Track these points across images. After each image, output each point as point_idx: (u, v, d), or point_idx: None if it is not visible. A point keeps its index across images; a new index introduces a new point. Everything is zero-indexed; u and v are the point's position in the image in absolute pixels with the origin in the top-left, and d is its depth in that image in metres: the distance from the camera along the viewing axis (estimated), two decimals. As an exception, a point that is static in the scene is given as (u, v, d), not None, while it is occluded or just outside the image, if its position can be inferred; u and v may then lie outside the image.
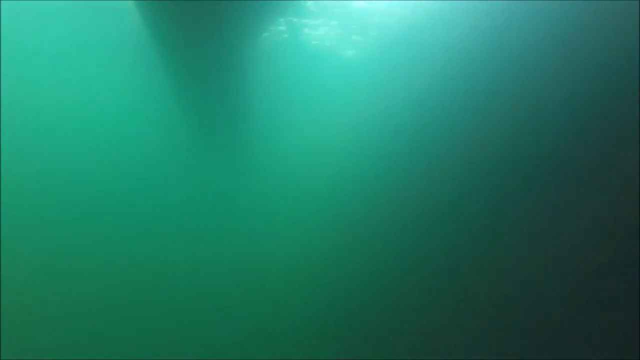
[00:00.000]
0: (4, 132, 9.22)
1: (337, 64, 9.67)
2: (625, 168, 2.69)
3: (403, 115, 6.63)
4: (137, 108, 10.36)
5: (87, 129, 10.33)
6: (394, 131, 6.76)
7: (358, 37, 8.59)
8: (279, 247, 8.81)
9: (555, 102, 3.43)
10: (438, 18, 6.49)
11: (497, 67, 4.37)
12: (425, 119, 5.82)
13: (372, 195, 6.70)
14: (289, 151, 10.79)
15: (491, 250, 3.86)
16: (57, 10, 7.98)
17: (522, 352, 3.20)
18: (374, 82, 8.46)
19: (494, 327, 3.52)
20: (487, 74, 4.54)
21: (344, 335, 5.88)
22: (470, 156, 4.53)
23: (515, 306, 3.38)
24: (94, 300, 8.03)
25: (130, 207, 10.09)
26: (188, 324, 7.72)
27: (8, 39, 8.65)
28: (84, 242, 8.98)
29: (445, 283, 4.44)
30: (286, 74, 9.85)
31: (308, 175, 9.72)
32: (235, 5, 5.33)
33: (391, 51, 8.01)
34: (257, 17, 6.22)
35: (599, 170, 2.92)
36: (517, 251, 3.55)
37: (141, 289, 8.29)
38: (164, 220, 9.99)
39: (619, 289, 2.56)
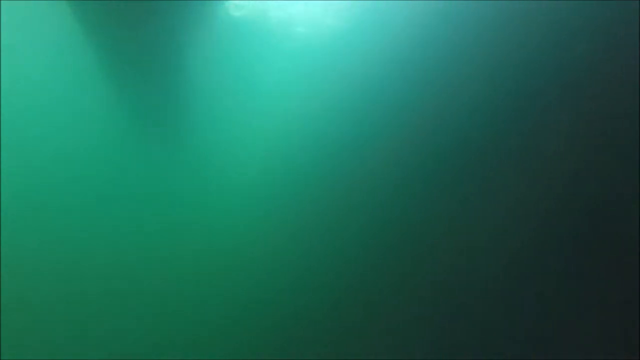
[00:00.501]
0: None
1: (284, 51, 9.39)
2: (625, 168, 2.69)
3: (348, 106, 6.57)
4: (69, 99, 9.96)
5: (17, 123, 9.89)
6: (339, 122, 6.72)
7: (304, 28, 8.34)
8: (219, 239, 8.65)
9: (555, 102, 3.44)
10: (397, 10, 6.39)
11: (491, 69, 4.39)
12: (372, 111, 5.79)
13: (318, 186, 6.65)
14: (230, 142, 10.46)
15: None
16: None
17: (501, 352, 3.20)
18: (322, 71, 8.33)
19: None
20: (481, 75, 4.55)
21: (280, 333, 5.89)
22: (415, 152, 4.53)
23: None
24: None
25: (61, 201, 9.69)
26: (124, 319, 7.60)
27: None
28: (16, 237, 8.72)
29: (376, 280, 4.50)
30: (230, 61, 9.58)
31: (250, 167, 9.53)
32: (173, 4, 5.17)
33: (344, 39, 7.88)
34: (195, 12, 6.00)
35: (599, 170, 2.93)
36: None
37: (74, 287, 8.12)
38: (98, 214, 9.65)
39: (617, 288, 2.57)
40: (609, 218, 2.78)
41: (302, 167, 7.41)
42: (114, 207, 10.25)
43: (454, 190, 3.94)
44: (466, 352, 3.65)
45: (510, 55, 3.76)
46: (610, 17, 3.13)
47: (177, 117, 8.46)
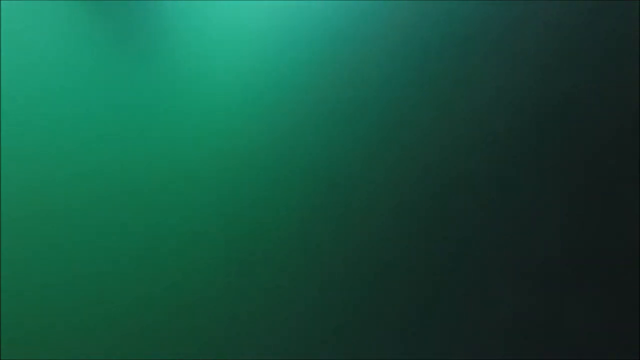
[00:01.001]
0: None
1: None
2: (625, 169, 2.69)
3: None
4: (43, 12, 10.00)
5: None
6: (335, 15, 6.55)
7: None
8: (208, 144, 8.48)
9: (554, 102, 3.44)
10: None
11: (490, 64, 4.39)
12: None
13: (309, 85, 6.41)
14: (213, 48, 10.36)
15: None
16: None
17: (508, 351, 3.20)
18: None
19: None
20: (481, 72, 4.55)
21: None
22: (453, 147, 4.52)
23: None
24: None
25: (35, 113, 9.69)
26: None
27: None
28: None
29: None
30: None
31: (237, 70, 9.38)
32: None
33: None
34: None
35: (599, 171, 2.93)
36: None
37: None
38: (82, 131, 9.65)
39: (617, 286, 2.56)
40: (609, 221, 2.79)
41: (293, 67, 7.12)
42: (96, 122, 10.17)
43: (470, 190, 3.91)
44: (466, 352, 3.65)
45: (592, 56, 3.66)
46: (610, 17, 3.13)
47: (155, 24, 8.25)
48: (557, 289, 3.06)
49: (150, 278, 7.35)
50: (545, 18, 3.79)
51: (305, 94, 6.79)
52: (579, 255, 2.96)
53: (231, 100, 9.42)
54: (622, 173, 2.74)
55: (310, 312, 5.63)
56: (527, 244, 3.47)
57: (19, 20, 10.37)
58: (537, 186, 3.46)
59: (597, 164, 2.97)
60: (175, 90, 10.08)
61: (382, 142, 5.15)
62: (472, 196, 4.01)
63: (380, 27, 5.39)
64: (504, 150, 3.92)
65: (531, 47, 3.92)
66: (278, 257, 5.29)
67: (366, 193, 4.90)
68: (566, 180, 3.20)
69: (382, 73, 5.02)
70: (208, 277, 5.78)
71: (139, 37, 9.15)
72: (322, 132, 6.09)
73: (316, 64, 6.55)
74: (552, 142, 3.40)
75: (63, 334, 7.71)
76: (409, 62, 5.69)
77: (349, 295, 4.33)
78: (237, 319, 4.65)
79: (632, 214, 2.61)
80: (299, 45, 7.46)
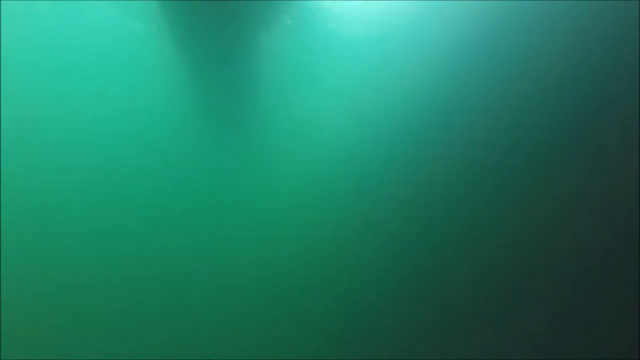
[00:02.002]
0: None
1: (348, 51, 9.80)
2: (625, 168, 2.69)
3: (403, 108, 6.64)
4: (153, 106, 10.66)
5: (103, 124, 10.61)
6: (395, 125, 6.78)
7: (360, 31, 8.66)
8: (288, 243, 8.88)
9: (554, 102, 3.44)
10: (437, 15, 6.50)
11: (496, 65, 4.38)
12: (422, 118, 5.81)
13: (386, 179, 6.63)
14: (299, 140, 10.90)
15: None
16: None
17: (519, 352, 3.19)
18: (375, 77, 8.50)
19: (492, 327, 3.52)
20: (486, 71, 4.54)
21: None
22: (470, 154, 4.51)
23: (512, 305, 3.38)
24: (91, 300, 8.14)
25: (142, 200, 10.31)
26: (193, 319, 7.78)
27: (34, 52, 8.89)
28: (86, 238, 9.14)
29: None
30: (293, 69, 10.02)
31: (319, 163, 9.81)
32: (247, 5, 5.55)
33: (392, 47, 8.05)
34: (266, 14, 6.41)
35: (599, 171, 2.92)
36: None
37: (147, 282, 8.39)
38: (174, 214, 10.19)
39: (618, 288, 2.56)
40: (611, 220, 2.79)
41: (372, 162, 7.37)
42: (191, 203, 10.59)
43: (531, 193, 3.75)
44: (466, 352, 3.65)
45: (592, 56, 3.60)
46: (610, 17, 3.13)
47: (249, 116, 8.78)
48: (556, 289, 3.06)
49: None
50: (545, 17, 3.79)
51: (386, 188, 6.82)
52: (579, 254, 2.96)
53: (312, 193, 9.43)
54: (622, 175, 2.74)
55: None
56: (530, 248, 3.47)
57: (133, 111, 10.43)
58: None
59: (597, 162, 2.97)
60: (267, 182, 10.17)
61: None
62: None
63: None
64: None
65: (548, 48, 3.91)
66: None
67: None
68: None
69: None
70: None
71: (240, 132, 9.46)
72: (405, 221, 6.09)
73: (399, 160, 6.60)
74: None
75: (63, 334, 7.62)
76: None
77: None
78: None
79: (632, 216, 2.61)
80: (378, 142, 7.55)
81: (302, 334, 6.77)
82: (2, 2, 7.45)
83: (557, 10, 3.68)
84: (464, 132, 4.67)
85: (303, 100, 10.96)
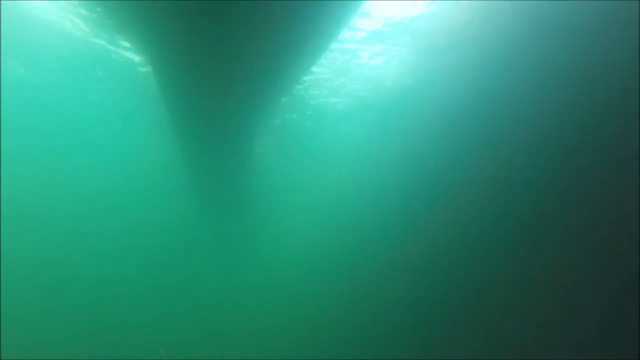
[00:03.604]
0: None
1: (336, 146, 10.38)
2: (625, 168, 2.69)
3: (408, 172, 6.80)
4: (152, 184, 11.27)
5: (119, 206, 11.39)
6: (391, 193, 7.02)
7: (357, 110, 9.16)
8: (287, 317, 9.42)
9: (554, 102, 3.44)
10: (430, 78, 6.74)
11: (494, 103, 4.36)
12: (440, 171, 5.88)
13: (381, 259, 6.85)
14: (291, 227, 11.50)
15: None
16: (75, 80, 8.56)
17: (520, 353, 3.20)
18: (379, 141, 8.81)
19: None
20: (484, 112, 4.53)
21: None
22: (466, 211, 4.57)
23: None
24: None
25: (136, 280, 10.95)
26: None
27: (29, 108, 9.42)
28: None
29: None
30: (290, 159, 10.56)
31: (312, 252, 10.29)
32: (248, 90, 5.74)
33: (389, 117, 8.34)
34: (265, 112, 6.72)
35: (599, 171, 2.92)
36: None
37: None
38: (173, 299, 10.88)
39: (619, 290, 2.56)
40: (609, 216, 2.79)
41: (369, 242, 7.58)
42: (188, 289, 11.12)
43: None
44: (466, 352, 3.65)
45: (592, 56, 3.60)
46: (610, 17, 3.13)
47: (245, 206, 9.13)
48: (556, 290, 3.06)
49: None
50: (546, 19, 3.78)
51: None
52: (579, 254, 2.96)
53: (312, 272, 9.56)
54: (622, 176, 2.74)
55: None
56: (531, 249, 3.47)
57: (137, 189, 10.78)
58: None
59: (597, 164, 2.97)
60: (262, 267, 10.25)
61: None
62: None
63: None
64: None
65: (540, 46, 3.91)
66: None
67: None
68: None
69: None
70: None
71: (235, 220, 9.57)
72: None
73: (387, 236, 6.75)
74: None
75: (63, 334, 7.62)
76: None
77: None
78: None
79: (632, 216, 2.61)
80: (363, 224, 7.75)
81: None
82: (1, 3, 7.45)
83: (556, 10, 3.68)
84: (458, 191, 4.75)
85: (297, 194, 11.44)
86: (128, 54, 7.64)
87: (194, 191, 9.09)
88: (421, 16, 6.12)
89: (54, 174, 11.26)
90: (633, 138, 2.80)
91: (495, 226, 4.06)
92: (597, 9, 3.46)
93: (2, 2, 7.30)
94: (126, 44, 7.26)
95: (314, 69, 7.56)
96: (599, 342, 2.70)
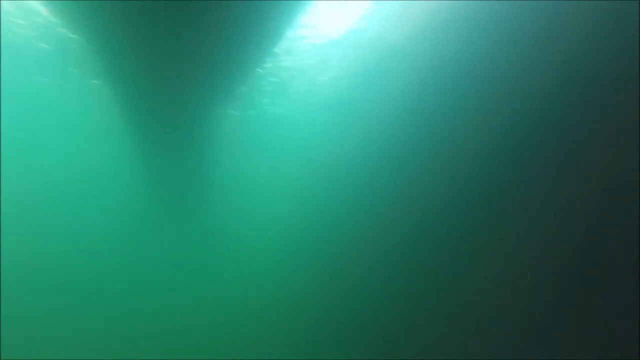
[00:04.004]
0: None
1: (293, 133, 10.38)
2: (626, 169, 2.69)
3: (358, 168, 6.89)
4: (110, 183, 11.06)
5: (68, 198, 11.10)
6: (349, 185, 7.10)
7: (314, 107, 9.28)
8: (240, 302, 9.42)
9: (554, 103, 3.44)
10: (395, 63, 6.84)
11: (488, 74, 4.39)
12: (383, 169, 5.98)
13: (343, 242, 6.92)
14: (246, 212, 11.46)
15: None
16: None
17: (515, 352, 3.20)
18: (329, 144, 8.91)
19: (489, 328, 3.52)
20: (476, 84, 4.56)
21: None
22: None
23: (509, 306, 3.39)
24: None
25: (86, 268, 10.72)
26: None
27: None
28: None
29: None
30: (246, 146, 10.53)
31: (265, 234, 10.32)
32: (200, 85, 5.72)
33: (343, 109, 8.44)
34: (221, 95, 6.65)
35: (600, 171, 2.92)
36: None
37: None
38: (124, 283, 10.70)
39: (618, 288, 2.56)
40: (609, 220, 2.79)
41: (317, 229, 7.66)
42: (140, 275, 11.02)
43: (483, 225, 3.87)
44: (466, 352, 3.65)
45: (592, 56, 3.65)
46: (610, 17, 3.13)
47: (197, 189, 9.08)
48: (556, 289, 3.06)
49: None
50: (545, 18, 3.78)
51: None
52: (579, 255, 2.96)
53: (265, 258, 9.64)
54: (622, 176, 2.74)
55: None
56: (529, 248, 3.47)
57: (84, 178, 10.67)
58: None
59: (597, 163, 2.97)
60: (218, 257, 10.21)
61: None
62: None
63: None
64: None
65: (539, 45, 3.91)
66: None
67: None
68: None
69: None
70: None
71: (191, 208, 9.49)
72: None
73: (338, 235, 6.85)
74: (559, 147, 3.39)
75: (63, 335, 7.60)
76: None
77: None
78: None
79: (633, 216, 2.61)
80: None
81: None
82: (1, 4, 7.46)
83: (556, 10, 3.69)
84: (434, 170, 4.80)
85: (251, 177, 11.41)
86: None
87: (147, 189, 8.95)
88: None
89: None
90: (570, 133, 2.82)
91: (460, 212, 4.11)
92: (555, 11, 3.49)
93: (1, 2, 7.30)
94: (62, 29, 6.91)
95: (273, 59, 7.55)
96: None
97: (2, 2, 7.26)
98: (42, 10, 6.41)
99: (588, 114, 3.11)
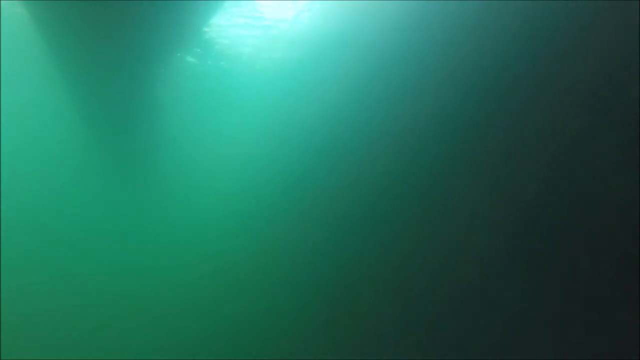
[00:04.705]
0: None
1: (246, 82, 10.10)
2: (626, 169, 2.69)
3: (313, 127, 6.85)
4: (48, 141, 10.73)
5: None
6: (302, 143, 7.04)
7: (266, 54, 9.08)
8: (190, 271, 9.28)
9: (554, 102, 3.44)
10: (354, 26, 6.81)
11: (480, 70, 4.39)
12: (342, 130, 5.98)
13: (282, 211, 6.90)
14: (199, 176, 11.20)
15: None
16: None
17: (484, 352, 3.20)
18: (283, 96, 8.80)
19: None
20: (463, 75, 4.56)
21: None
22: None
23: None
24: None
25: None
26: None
27: None
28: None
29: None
30: (196, 96, 10.27)
31: (219, 197, 10.14)
32: (147, 31, 5.54)
33: (303, 63, 8.35)
34: (167, 42, 6.43)
35: (600, 171, 2.92)
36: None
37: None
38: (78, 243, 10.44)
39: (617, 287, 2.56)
40: (608, 216, 2.79)
41: (275, 191, 7.64)
42: (89, 245, 10.75)
43: (446, 187, 3.96)
44: (466, 352, 3.65)
45: (507, 55, 3.77)
46: (610, 17, 3.13)
47: (146, 157, 8.88)
48: (556, 289, 3.06)
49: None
50: (546, 17, 3.78)
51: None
52: (579, 255, 2.96)
53: (215, 227, 9.51)
54: (622, 175, 2.74)
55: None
56: (525, 243, 3.47)
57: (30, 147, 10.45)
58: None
59: (596, 163, 2.97)
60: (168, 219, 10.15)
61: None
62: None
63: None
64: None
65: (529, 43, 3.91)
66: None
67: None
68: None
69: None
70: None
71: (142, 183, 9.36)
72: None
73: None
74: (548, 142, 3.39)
75: (63, 335, 7.57)
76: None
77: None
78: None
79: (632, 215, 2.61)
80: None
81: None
82: (1, 3, 7.45)
83: (555, 10, 3.68)
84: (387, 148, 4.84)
85: (199, 144, 11.18)
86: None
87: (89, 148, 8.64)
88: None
89: None
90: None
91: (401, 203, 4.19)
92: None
93: (1, 2, 7.30)
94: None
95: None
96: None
97: (1, 2, 7.25)
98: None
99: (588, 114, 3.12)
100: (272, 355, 5.74)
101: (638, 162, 2.61)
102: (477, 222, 3.49)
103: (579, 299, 2.86)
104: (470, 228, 3.53)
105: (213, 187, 10.74)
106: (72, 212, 11.30)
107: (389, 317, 4.09)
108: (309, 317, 5.31)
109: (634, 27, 2.87)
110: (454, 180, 3.75)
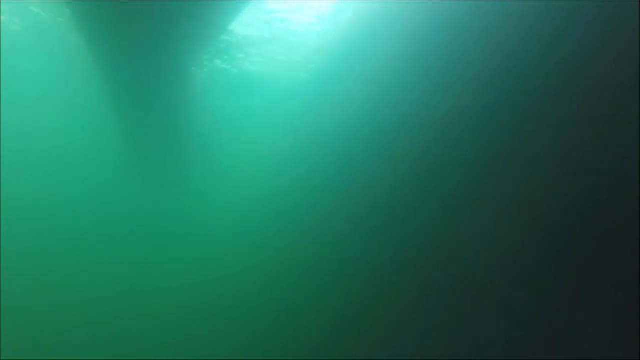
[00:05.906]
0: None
1: (273, 88, 10.29)
2: (626, 169, 2.69)
3: (337, 131, 6.92)
4: (89, 145, 10.99)
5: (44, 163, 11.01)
6: (323, 152, 7.13)
7: (295, 61, 9.25)
8: (215, 269, 9.35)
9: (554, 102, 3.44)
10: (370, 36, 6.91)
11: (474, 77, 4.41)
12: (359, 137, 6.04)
13: (312, 221, 6.96)
14: (223, 182, 11.38)
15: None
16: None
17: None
18: (308, 101, 8.87)
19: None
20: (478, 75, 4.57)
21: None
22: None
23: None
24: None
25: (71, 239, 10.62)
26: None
27: None
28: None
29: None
30: (220, 106, 10.46)
31: (242, 200, 10.25)
32: (177, 34, 5.73)
33: (327, 69, 8.44)
34: (196, 45, 6.66)
35: (601, 171, 2.92)
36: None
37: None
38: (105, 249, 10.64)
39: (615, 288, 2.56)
40: (608, 218, 2.78)
41: (297, 198, 7.68)
42: (120, 242, 10.96)
43: (454, 193, 3.98)
44: (466, 352, 3.65)
45: (510, 56, 3.79)
46: (610, 17, 3.13)
47: (179, 159, 9.03)
48: (555, 288, 3.06)
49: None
50: (547, 17, 3.78)
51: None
52: (579, 255, 2.96)
53: (245, 228, 9.55)
54: (622, 173, 2.74)
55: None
56: (523, 243, 3.47)
57: (68, 150, 10.76)
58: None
59: (596, 163, 2.97)
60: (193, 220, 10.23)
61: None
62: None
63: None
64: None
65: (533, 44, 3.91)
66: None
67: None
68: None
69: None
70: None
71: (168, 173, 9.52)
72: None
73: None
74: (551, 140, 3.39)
75: (63, 335, 7.57)
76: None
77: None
78: None
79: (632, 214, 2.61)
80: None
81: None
82: (1, 2, 7.46)
83: (555, 10, 3.68)
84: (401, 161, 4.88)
85: (231, 148, 11.34)
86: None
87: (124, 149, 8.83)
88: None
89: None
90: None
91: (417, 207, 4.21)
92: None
93: (1, 1, 7.30)
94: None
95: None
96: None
97: (1, 1, 7.25)
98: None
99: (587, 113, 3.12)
100: (286, 356, 5.79)
101: (638, 163, 2.61)
102: (499, 222, 3.49)
103: (604, 299, 2.86)
104: (490, 229, 3.53)
105: (239, 187, 10.87)
106: (88, 211, 11.52)
107: (408, 321, 4.08)
108: (326, 319, 5.32)
109: (634, 26, 2.87)
110: (474, 183, 3.75)
